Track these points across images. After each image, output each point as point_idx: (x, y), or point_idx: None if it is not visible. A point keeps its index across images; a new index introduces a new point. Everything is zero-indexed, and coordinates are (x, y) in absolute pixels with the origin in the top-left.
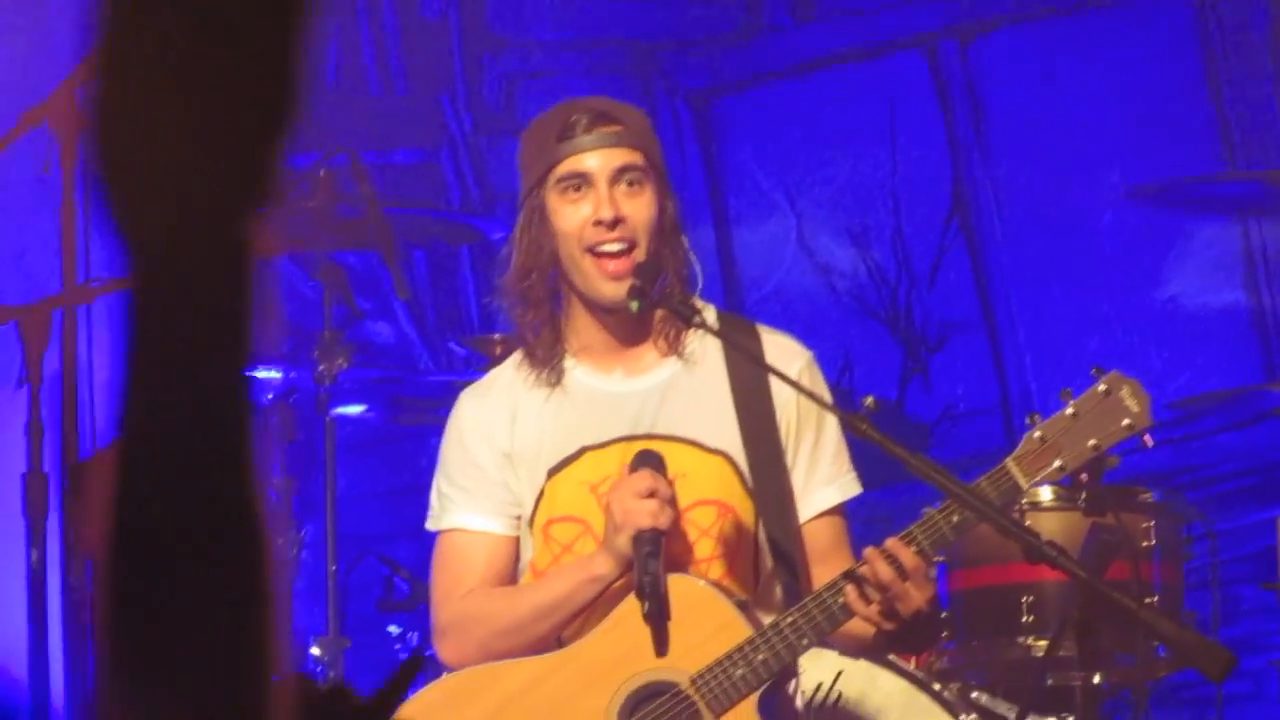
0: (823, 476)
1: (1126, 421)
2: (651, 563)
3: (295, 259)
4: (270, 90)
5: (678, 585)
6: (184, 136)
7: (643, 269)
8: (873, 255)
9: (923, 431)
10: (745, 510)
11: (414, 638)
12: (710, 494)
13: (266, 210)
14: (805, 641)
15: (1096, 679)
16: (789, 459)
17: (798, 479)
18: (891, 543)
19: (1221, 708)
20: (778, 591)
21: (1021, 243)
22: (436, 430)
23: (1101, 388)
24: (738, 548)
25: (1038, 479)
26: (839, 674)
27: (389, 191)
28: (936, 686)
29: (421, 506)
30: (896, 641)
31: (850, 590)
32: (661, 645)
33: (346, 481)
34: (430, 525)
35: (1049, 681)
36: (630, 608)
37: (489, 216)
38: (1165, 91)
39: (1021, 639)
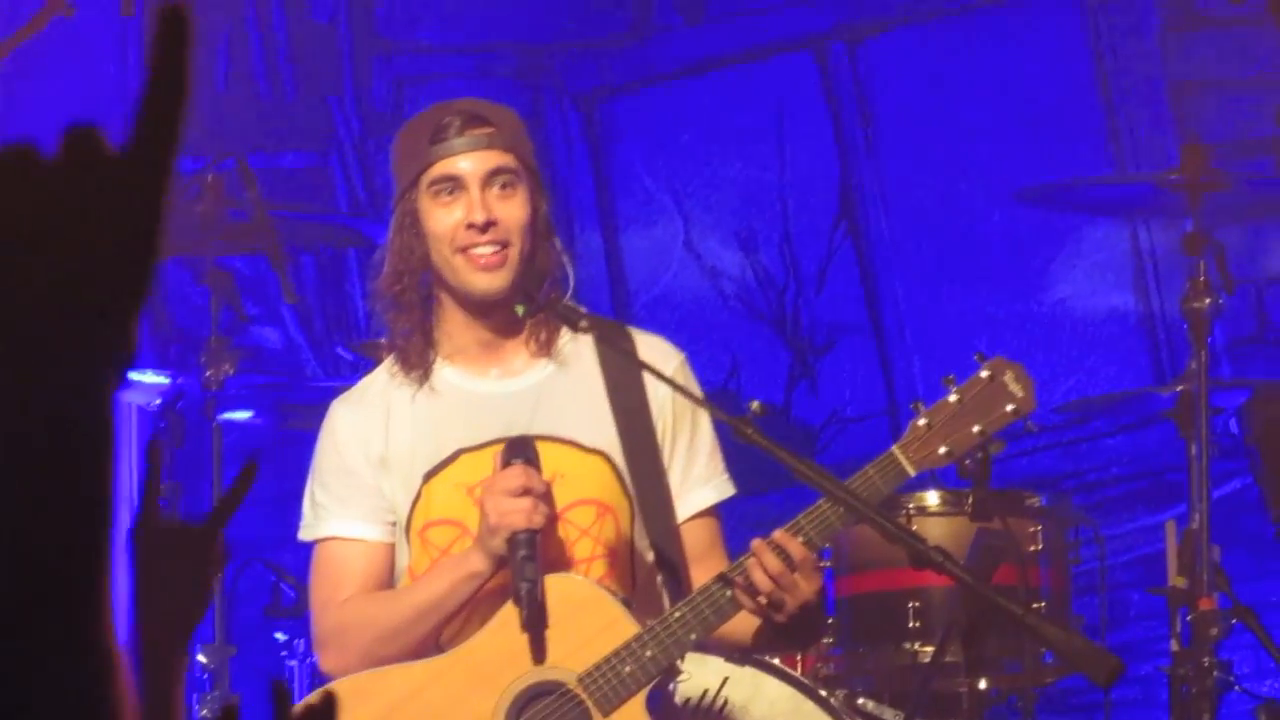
0: (698, 477)
1: (1011, 406)
2: (528, 567)
3: (182, 263)
4: (121, 268)
5: (562, 584)
6: (35, 309)
7: (526, 276)
8: (760, 258)
9: (810, 435)
10: (623, 510)
11: (300, 645)
12: (589, 494)
13: (120, 376)
14: (693, 636)
15: (983, 685)
16: (665, 459)
17: (673, 479)
18: (779, 534)
19: (1109, 713)
20: (657, 591)
21: (909, 246)
22: None
23: (985, 373)
24: (617, 547)
25: (924, 466)
26: (724, 680)
27: (277, 195)
28: (823, 693)
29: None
30: (783, 636)
31: (738, 583)
32: (548, 645)
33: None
34: (304, 535)
35: (935, 687)
36: (514, 609)
37: (377, 221)
38: (1054, 93)
39: (908, 645)
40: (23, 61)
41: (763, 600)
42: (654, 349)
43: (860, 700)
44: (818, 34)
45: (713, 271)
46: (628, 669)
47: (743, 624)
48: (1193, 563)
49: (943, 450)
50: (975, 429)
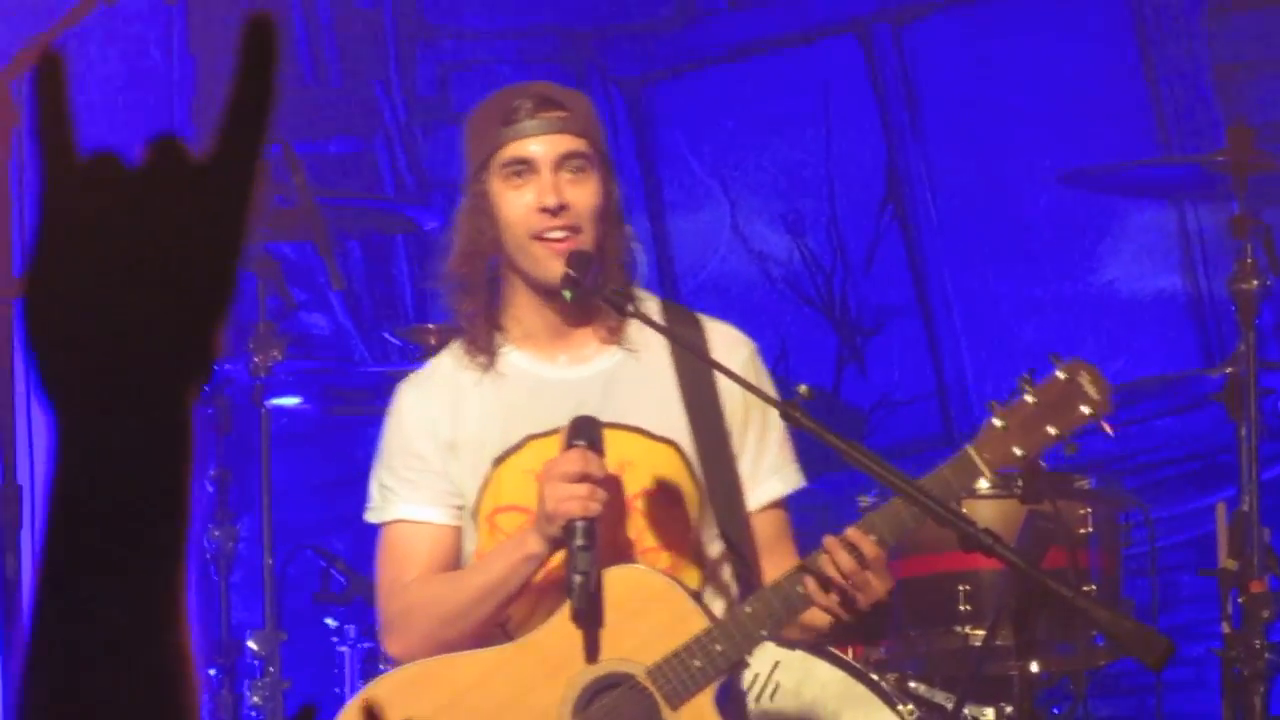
0: (769, 467)
1: (1086, 409)
2: (581, 558)
3: None
4: (205, 275)
5: (633, 576)
6: (119, 315)
7: (575, 258)
8: (807, 242)
9: (859, 419)
10: (693, 499)
11: (351, 631)
12: (661, 481)
13: (204, 382)
14: (763, 631)
15: (1035, 668)
16: (735, 448)
17: (743, 469)
18: (852, 531)
19: (1161, 696)
20: (724, 582)
21: (956, 228)
22: (372, 421)
23: (1061, 374)
24: (685, 537)
25: (998, 466)
26: (775, 664)
27: (323, 181)
28: (874, 676)
29: (358, 498)
30: (851, 631)
31: (810, 580)
32: (617, 637)
33: (282, 473)
34: (371, 518)
35: (986, 671)
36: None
37: (424, 206)
38: (1100, 75)
39: (959, 628)
40: (68, 50)
41: (834, 598)
42: (724, 337)
43: (911, 684)
44: (862, 17)
45: (760, 255)
46: (697, 663)
47: (814, 614)
48: (1243, 545)
49: (1017, 451)
50: (1051, 430)
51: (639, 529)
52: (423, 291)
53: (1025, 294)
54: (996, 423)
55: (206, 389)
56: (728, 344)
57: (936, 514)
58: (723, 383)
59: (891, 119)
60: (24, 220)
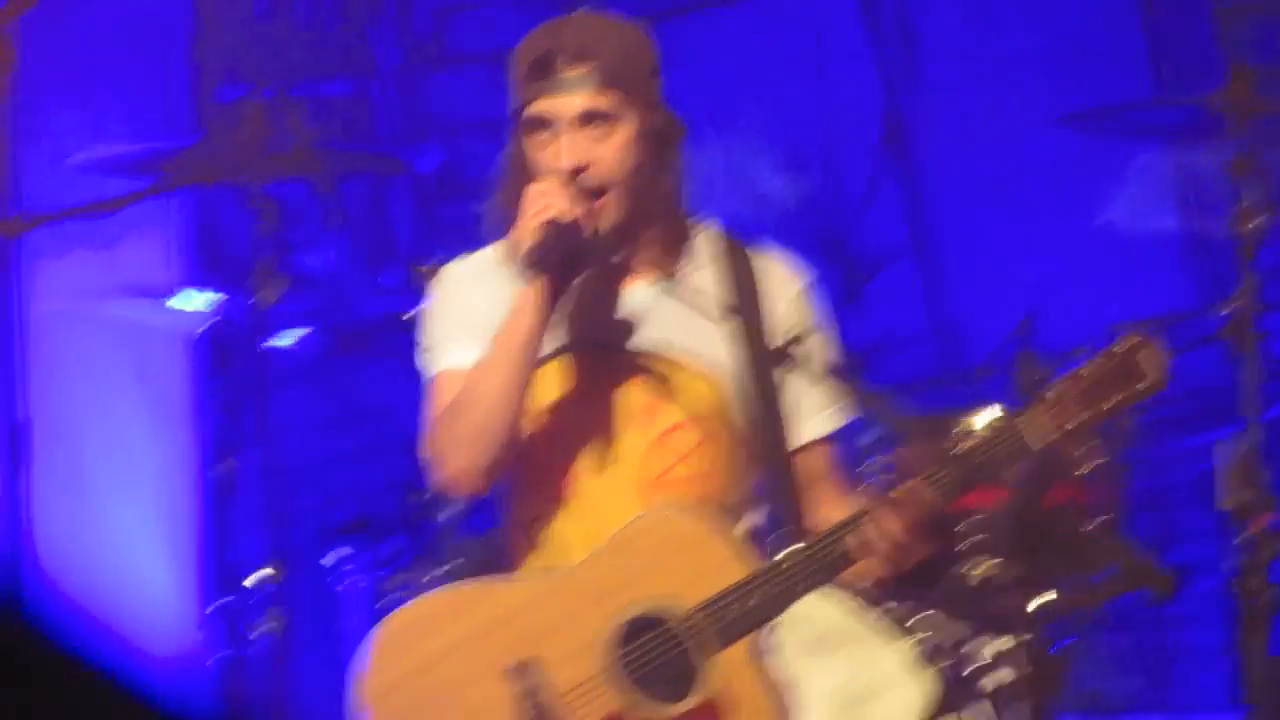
0: (815, 402)
1: (1142, 384)
2: (552, 234)
3: (227, 190)
4: None
5: (678, 519)
6: None
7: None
8: (804, 184)
9: (856, 359)
10: (733, 434)
11: (352, 566)
12: (697, 414)
13: None
14: (801, 588)
15: (1035, 604)
16: (779, 383)
17: (789, 404)
18: (897, 492)
19: (1164, 631)
20: (758, 519)
21: (953, 170)
22: (370, 360)
23: (1118, 348)
24: (717, 472)
25: (1047, 440)
26: None
27: (319, 123)
28: (884, 605)
29: (358, 435)
30: (896, 585)
31: (851, 540)
32: (659, 577)
33: (283, 410)
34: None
35: (987, 608)
36: (629, 534)
37: (419, 148)
38: (1098, 18)
39: (959, 567)
40: None
41: (876, 560)
42: (776, 272)
43: (925, 613)
44: None
45: (757, 198)
46: (733, 614)
47: (857, 572)
48: (1245, 483)
49: (1068, 426)
50: (1104, 406)
51: (674, 459)
52: (419, 232)
53: (1022, 236)
54: (1049, 395)
55: (206, 326)
56: (779, 277)
57: (940, 454)
58: (771, 315)
59: (888, 61)
60: (16, 161)
